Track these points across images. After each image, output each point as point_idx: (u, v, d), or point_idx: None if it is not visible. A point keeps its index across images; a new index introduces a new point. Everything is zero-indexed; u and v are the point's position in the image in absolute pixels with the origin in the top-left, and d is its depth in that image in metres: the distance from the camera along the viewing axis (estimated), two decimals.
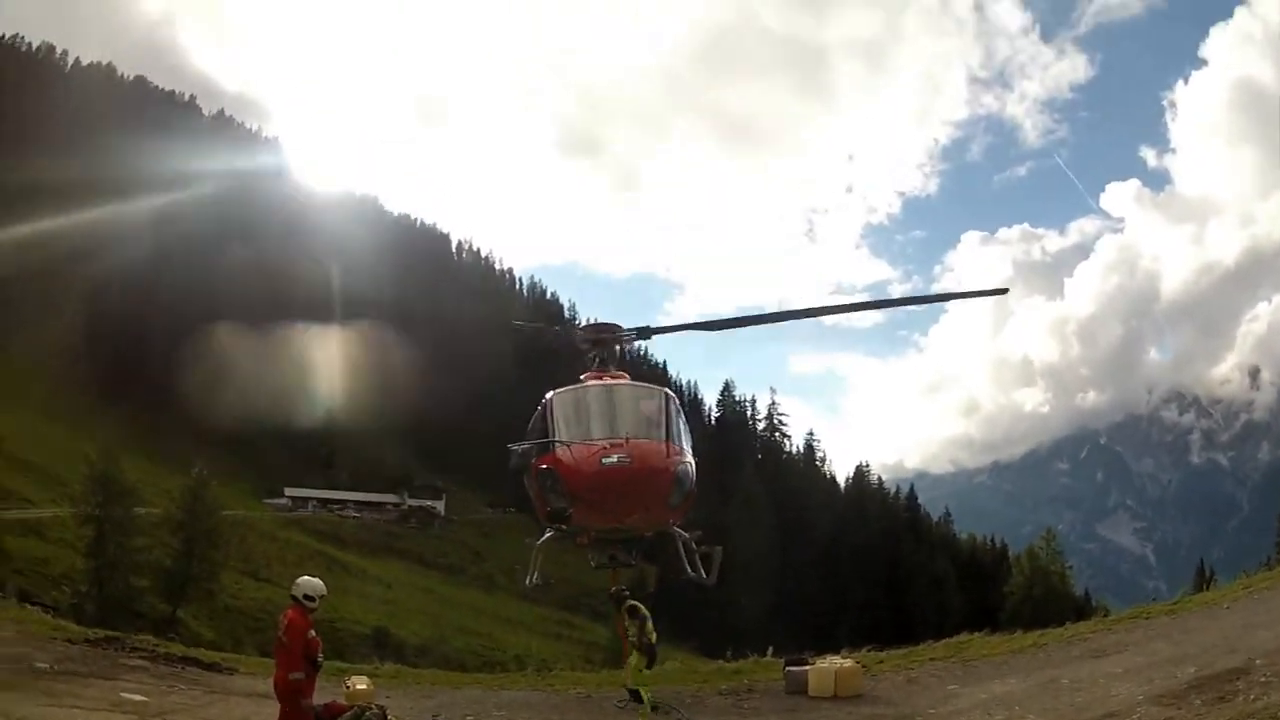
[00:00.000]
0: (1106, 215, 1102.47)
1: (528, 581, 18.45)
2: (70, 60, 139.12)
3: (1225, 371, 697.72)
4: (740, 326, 19.89)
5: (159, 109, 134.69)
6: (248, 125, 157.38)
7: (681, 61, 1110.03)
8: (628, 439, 15.23)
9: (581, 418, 15.88)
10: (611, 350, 18.10)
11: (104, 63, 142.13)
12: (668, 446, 15.55)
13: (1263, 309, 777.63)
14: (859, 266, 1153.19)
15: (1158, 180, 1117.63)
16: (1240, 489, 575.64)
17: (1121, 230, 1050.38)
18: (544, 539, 17.67)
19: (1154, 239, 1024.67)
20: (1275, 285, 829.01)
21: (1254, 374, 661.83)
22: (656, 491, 15.22)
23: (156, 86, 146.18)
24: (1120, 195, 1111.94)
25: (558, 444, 15.34)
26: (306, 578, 12.89)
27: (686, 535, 16.99)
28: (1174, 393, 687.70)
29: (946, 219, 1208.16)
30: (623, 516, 15.34)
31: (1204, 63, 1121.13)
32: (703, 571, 17.13)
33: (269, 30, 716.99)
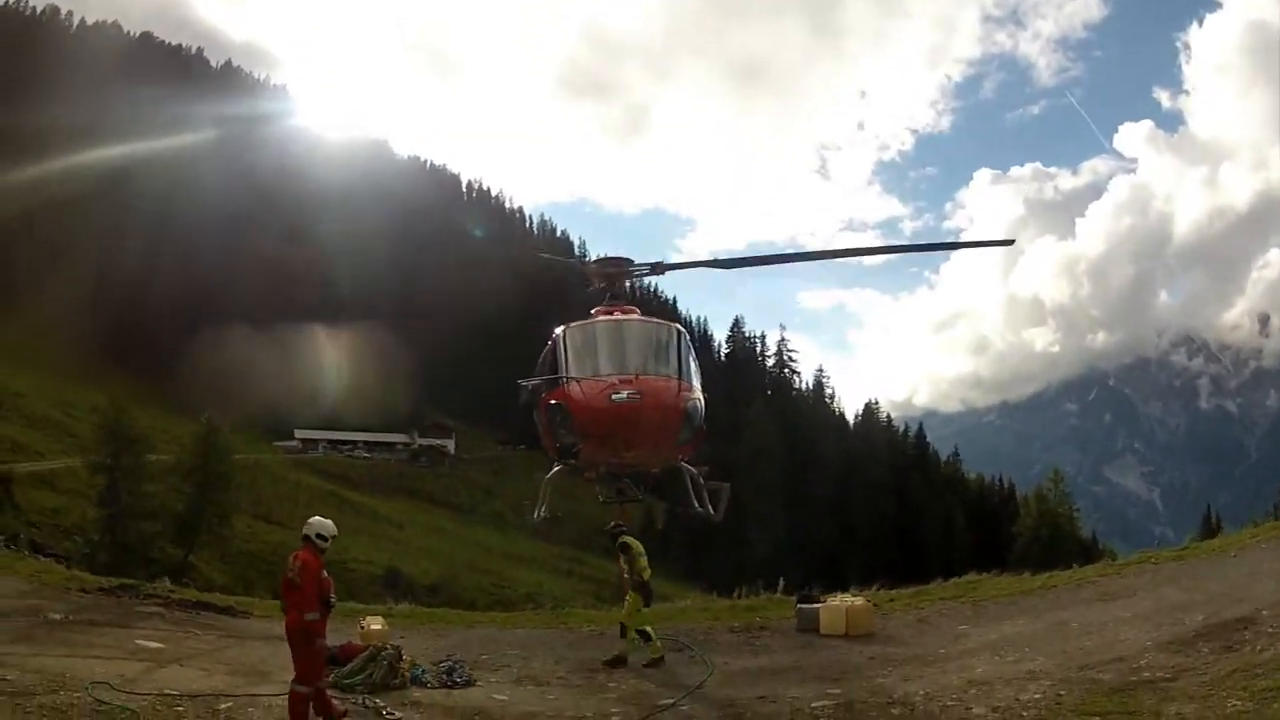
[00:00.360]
0: (1119, 155, 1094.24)
1: (535, 515, 18.10)
2: (75, 21, 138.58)
3: (1235, 317, 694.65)
4: (750, 265, 19.99)
5: (166, 63, 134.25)
6: (255, 75, 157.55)
7: (691, 2, 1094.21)
8: (637, 375, 15.09)
9: (591, 353, 15.78)
10: (622, 285, 18.01)
11: (109, 21, 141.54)
12: (678, 383, 15.57)
13: (1274, 255, 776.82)
14: (871, 203, 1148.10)
15: (1171, 121, 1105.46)
16: (1248, 435, 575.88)
17: (1134, 171, 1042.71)
18: (552, 473, 17.38)
19: (1166, 181, 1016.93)
20: None
21: (1264, 321, 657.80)
22: (666, 428, 15.22)
23: (162, 41, 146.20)
24: (1133, 135, 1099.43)
25: (567, 379, 15.32)
26: (318, 518, 12.73)
27: (694, 471, 16.93)
28: (1184, 337, 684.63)
29: (959, 156, 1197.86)
30: (631, 453, 15.31)
31: (1217, 4, 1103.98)
32: (710, 507, 17.17)
33: None
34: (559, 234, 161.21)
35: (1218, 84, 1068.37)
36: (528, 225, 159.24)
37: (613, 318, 16.63)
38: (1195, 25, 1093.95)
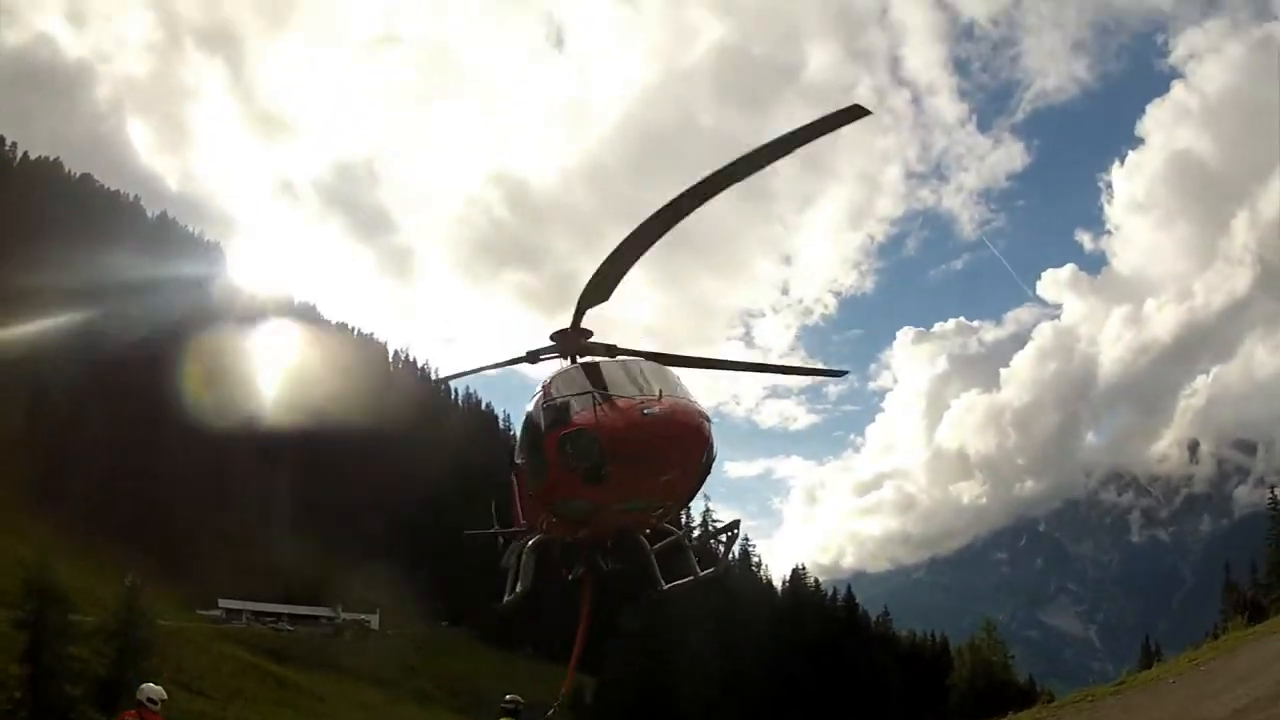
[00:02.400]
0: (1043, 303, 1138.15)
1: (509, 595, 16.72)
2: (19, 154, 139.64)
3: (1164, 448, 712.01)
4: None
5: (104, 207, 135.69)
6: (189, 228, 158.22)
7: (616, 166, 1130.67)
8: (661, 393, 14.72)
9: (602, 386, 15.05)
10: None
11: (52, 158, 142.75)
12: (698, 405, 15.07)
13: (1201, 382, 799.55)
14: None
15: (1094, 263, 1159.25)
16: (1183, 562, 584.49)
17: (1058, 317, 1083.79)
18: (532, 540, 16.22)
19: (1091, 322, 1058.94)
20: (1214, 357, 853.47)
21: (1193, 448, 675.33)
22: (697, 446, 14.71)
23: (102, 185, 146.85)
24: (1057, 281, 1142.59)
25: (596, 394, 14.75)
26: (150, 684, 14.33)
27: (680, 533, 17.12)
28: (1112, 474, 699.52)
29: (882, 316, 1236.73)
30: (664, 477, 14.64)
31: (1140, 141, 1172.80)
32: (724, 556, 18.14)
33: (214, 132, 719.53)
34: (484, 407, 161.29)
35: (1140, 220, 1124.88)
36: (453, 398, 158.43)
37: (614, 358, 16.05)
38: (1117, 164, 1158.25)
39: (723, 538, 18.71)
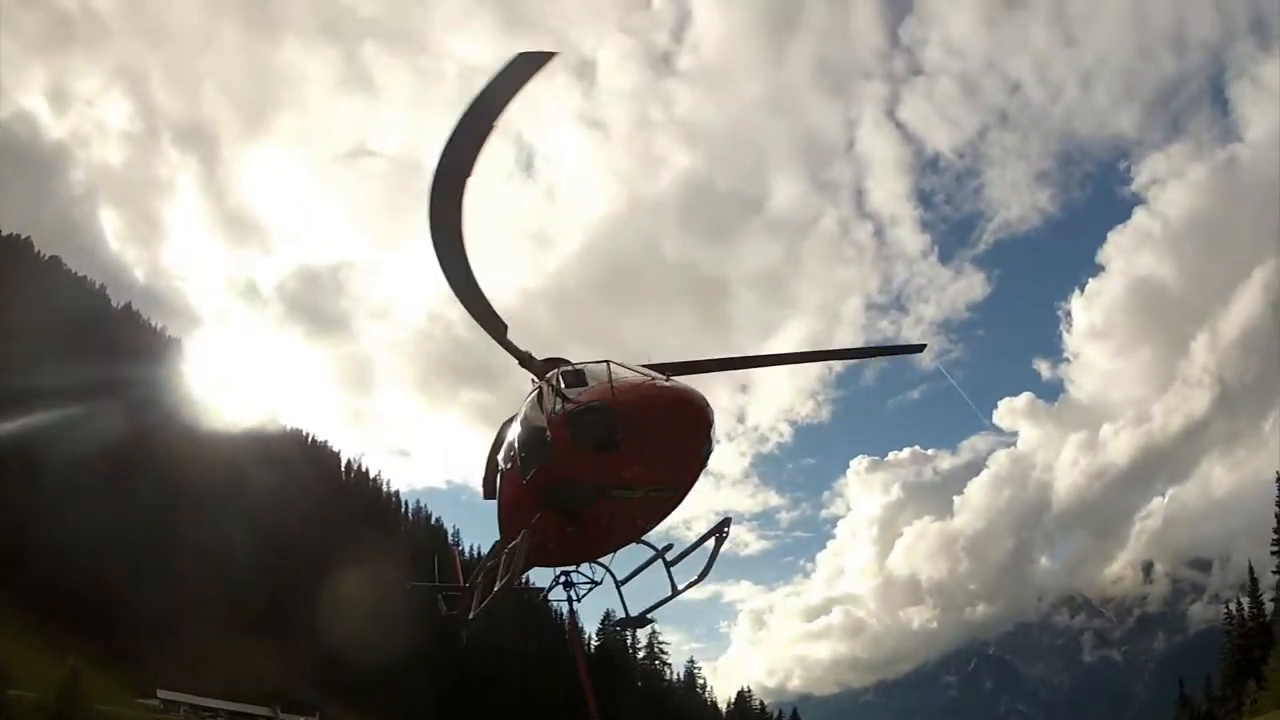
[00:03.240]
0: (999, 430, 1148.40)
1: (474, 610, 18.04)
2: None
3: (1118, 570, 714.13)
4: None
5: (71, 293, 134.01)
6: (153, 323, 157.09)
7: (579, 290, 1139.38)
8: (669, 378, 15.66)
9: (616, 373, 15.55)
10: None
11: (23, 236, 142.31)
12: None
13: (1157, 504, 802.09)
14: (749, 495, 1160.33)
15: (1051, 391, 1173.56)
16: (1136, 680, 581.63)
17: (1014, 444, 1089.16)
18: (521, 540, 16.40)
19: (1047, 449, 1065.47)
20: (1170, 479, 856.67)
21: (1148, 568, 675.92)
22: (704, 426, 15.23)
23: (70, 270, 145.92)
24: (1013, 409, 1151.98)
25: (613, 364, 15.35)
26: None
27: (659, 551, 17.95)
28: (1065, 597, 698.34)
29: (837, 445, 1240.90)
30: (671, 448, 15.17)
31: (1100, 269, 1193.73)
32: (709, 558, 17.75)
33: (184, 227, 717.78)
34: (434, 520, 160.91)
35: (1098, 347, 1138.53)
36: (403, 510, 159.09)
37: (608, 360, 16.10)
38: (1077, 292, 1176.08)
39: (709, 542, 18.07)
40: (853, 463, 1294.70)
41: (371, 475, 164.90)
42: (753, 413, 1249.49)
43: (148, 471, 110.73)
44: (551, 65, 12.65)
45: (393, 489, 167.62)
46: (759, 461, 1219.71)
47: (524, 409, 17.31)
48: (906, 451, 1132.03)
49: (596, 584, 18.53)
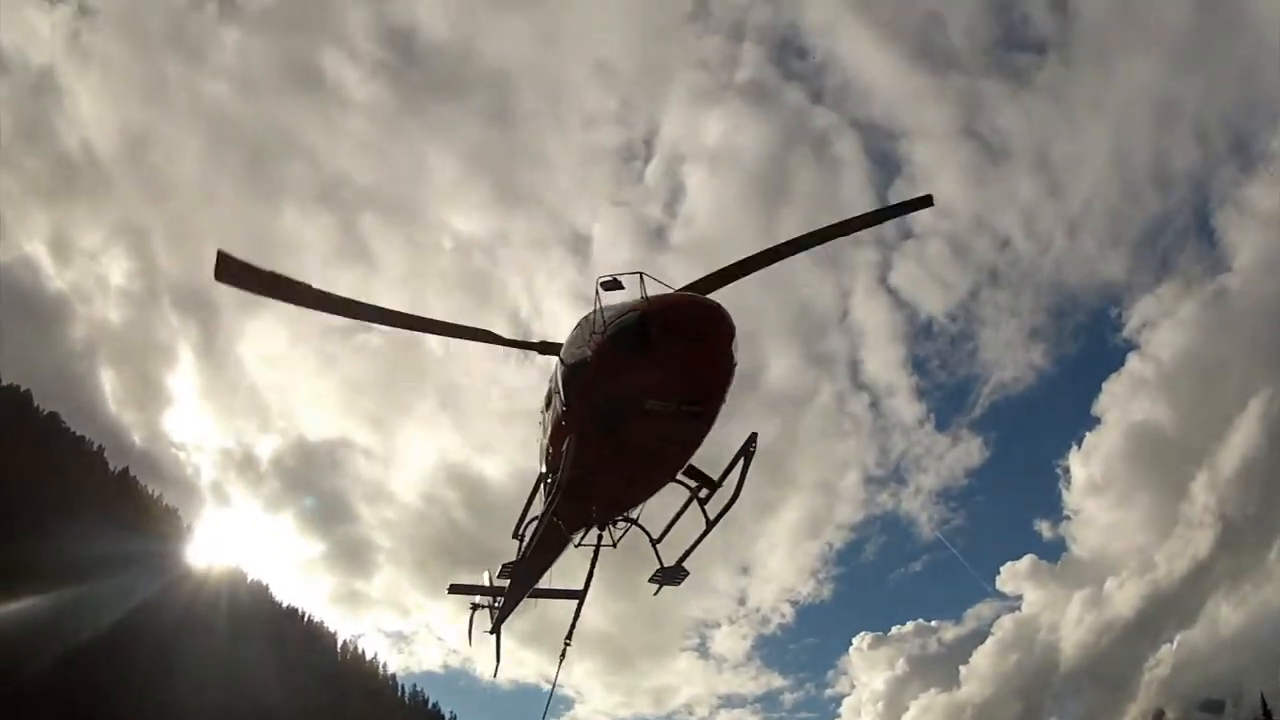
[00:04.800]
0: (1003, 596, 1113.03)
1: (543, 509, 19.18)
2: None
3: None
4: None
5: (68, 451, 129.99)
6: (150, 490, 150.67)
7: None
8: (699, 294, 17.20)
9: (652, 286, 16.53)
10: None
11: (22, 388, 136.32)
12: None
13: (1165, 651, 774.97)
14: (752, 678, 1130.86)
15: (1053, 550, 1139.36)
16: None
17: (1019, 608, 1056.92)
18: (566, 449, 17.54)
19: (1051, 609, 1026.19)
20: (1178, 624, 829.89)
21: (1158, 717, 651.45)
22: (728, 331, 16.14)
23: (69, 429, 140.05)
24: (1016, 573, 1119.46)
25: (645, 275, 16.29)
26: None
27: (694, 486, 19.04)
28: None
29: (839, 623, 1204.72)
30: (702, 353, 16.11)
31: (1097, 421, 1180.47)
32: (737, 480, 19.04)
33: (182, 393, 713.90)
34: (430, 705, 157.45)
35: (1098, 501, 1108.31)
36: (400, 693, 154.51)
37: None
38: (1075, 447, 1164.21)
39: (738, 466, 19.06)
40: (855, 639, 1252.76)
41: (368, 657, 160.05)
42: (753, 594, 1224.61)
43: (142, 648, 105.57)
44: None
45: (390, 671, 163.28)
46: (761, 644, 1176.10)
47: (572, 333, 18.03)
48: (910, 625, 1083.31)
49: (632, 522, 19.80)
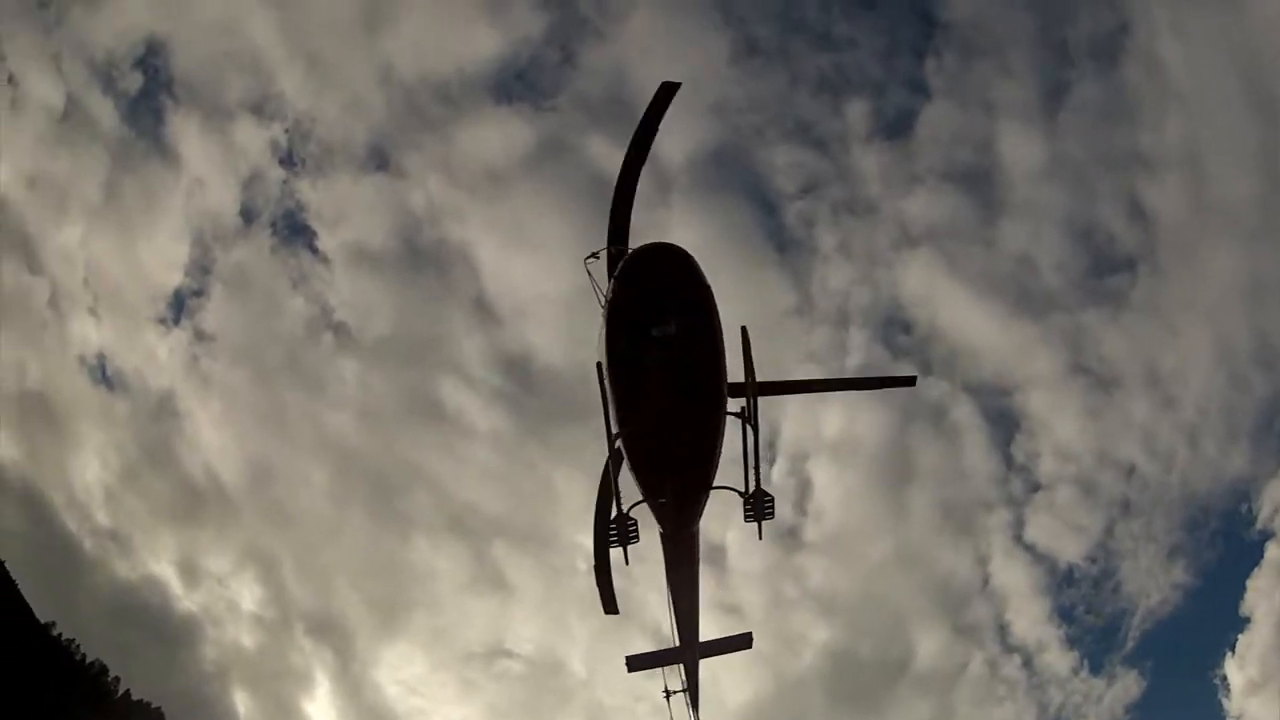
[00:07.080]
0: None
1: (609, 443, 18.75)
2: (120, 688, 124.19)
3: None
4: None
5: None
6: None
7: None
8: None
9: None
10: None
11: (154, 705, 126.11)
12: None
13: None
14: None
15: None
16: None
17: None
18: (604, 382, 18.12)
19: None
20: None
21: None
22: (684, 255, 17.31)
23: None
24: None
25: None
26: None
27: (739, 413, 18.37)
28: None
29: None
30: (671, 275, 17.05)
31: (1246, 621, 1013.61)
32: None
33: (319, 713, 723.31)
34: None
35: (1257, 700, 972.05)
36: None
37: None
38: (1229, 654, 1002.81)
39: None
40: None
41: None
42: None
43: None
44: None
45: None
46: None
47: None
48: None
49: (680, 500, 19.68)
